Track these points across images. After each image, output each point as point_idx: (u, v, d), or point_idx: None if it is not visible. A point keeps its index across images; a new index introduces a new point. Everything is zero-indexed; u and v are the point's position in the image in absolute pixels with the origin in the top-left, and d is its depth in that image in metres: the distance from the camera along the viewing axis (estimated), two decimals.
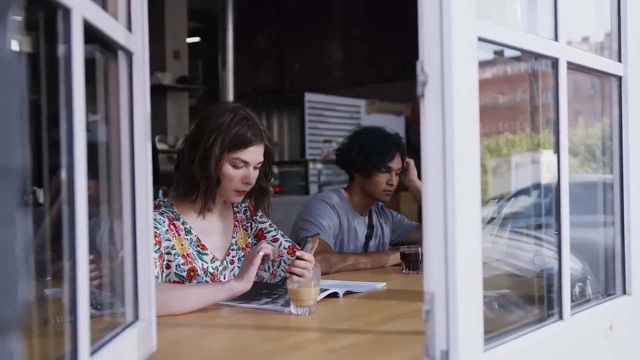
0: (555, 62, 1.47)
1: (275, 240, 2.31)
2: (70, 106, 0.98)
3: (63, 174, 0.98)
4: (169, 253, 2.08)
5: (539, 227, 1.80)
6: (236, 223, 2.31)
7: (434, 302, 1.15)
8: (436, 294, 1.15)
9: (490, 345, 1.24)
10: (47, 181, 1.08)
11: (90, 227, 1.04)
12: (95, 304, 1.24)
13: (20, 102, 0.56)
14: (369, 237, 3.06)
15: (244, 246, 2.31)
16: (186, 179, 2.15)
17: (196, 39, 9.89)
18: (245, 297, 1.99)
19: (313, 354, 1.52)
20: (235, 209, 2.34)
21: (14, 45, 0.57)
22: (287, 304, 1.88)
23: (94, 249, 1.09)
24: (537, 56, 1.51)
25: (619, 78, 1.75)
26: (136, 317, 1.34)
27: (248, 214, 2.35)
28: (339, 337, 1.63)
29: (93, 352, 1.07)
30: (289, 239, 2.35)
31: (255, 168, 2.17)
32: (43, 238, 1.17)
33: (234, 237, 2.29)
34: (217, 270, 2.20)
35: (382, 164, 2.91)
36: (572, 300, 1.51)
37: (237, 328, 1.73)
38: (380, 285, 2.29)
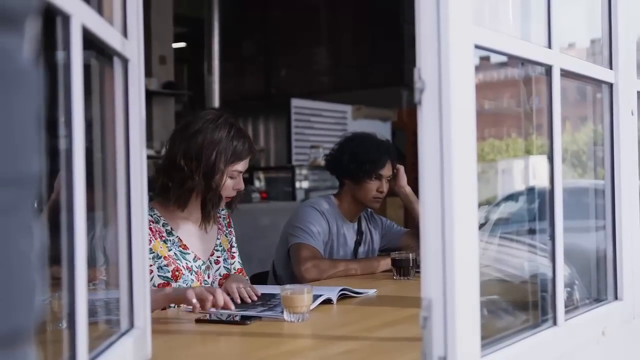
0: (549, 69, 1.48)
1: (232, 257, 2.43)
2: (69, 113, 0.98)
3: (62, 181, 0.97)
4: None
5: (528, 232, 1.81)
6: (219, 226, 2.40)
7: (431, 308, 1.15)
8: (434, 301, 1.15)
9: (487, 351, 1.24)
10: (45, 188, 1.08)
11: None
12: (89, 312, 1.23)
13: (38, 111, 0.56)
14: (358, 243, 3.06)
15: (227, 249, 2.40)
16: (186, 191, 2.20)
17: (182, 44, 9.87)
18: (241, 306, 1.99)
19: None
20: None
21: (31, 54, 0.56)
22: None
23: (87, 256, 1.09)
24: (531, 63, 1.52)
25: (610, 85, 1.77)
26: (131, 324, 1.33)
27: (226, 222, 2.45)
28: (333, 344, 1.63)
29: None
30: (241, 262, 2.46)
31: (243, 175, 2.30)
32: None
33: (218, 239, 2.37)
34: (201, 269, 2.26)
35: (374, 171, 2.91)
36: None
37: (231, 335, 1.72)
38: (372, 292, 2.29)
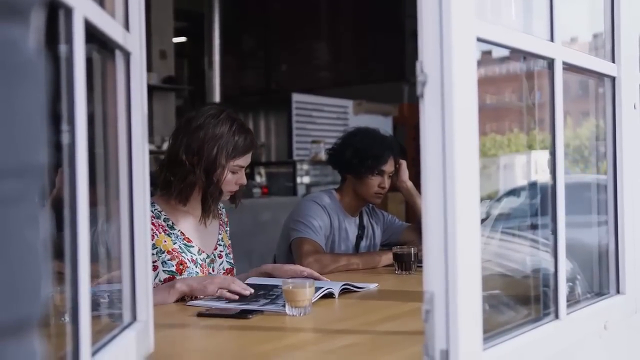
0: (551, 63, 1.48)
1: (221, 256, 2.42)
2: (72, 106, 0.97)
3: (65, 175, 0.97)
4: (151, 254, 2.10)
5: (530, 227, 1.81)
6: (221, 222, 2.42)
7: (433, 301, 1.15)
8: (436, 294, 1.15)
9: (489, 344, 1.25)
10: (47, 183, 1.08)
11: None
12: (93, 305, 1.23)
13: (43, 102, 0.56)
14: (360, 237, 3.06)
15: (228, 245, 2.42)
16: (187, 186, 2.22)
17: (182, 39, 9.87)
18: (243, 299, 1.99)
19: (312, 354, 1.51)
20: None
21: (37, 44, 0.56)
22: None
23: (90, 250, 1.09)
24: (533, 56, 1.52)
25: (613, 79, 1.77)
26: (134, 318, 1.34)
27: (225, 220, 2.47)
28: (335, 338, 1.63)
29: (93, 354, 1.06)
30: (231, 262, 2.43)
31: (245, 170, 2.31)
32: None
33: (220, 234, 2.39)
34: (205, 262, 2.28)
35: (376, 167, 2.90)
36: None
37: (233, 329, 1.72)
38: (373, 286, 2.30)
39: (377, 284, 2.32)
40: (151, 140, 7.11)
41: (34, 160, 0.55)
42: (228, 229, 2.48)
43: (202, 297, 2.03)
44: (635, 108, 1.81)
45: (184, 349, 1.55)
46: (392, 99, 8.19)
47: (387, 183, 2.95)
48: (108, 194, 1.35)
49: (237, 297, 1.99)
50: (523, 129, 1.91)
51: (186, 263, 2.20)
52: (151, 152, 6.42)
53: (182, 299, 2.04)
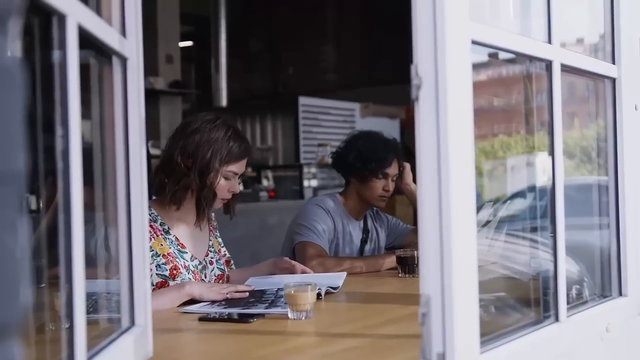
0: (549, 65, 1.48)
1: (223, 256, 2.47)
2: (66, 112, 0.98)
3: (59, 181, 0.98)
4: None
5: (534, 229, 1.80)
6: (211, 228, 2.44)
7: (430, 304, 1.15)
8: (432, 297, 1.15)
9: (486, 347, 1.24)
10: (43, 188, 1.08)
11: (85, 234, 1.04)
12: (90, 310, 1.23)
13: (22, 109, 0.56)
14: (364, 241, 3.05)
15: (218, 250, 2.44)
16: (181, 189, 2.23)
17: (189, 43, 9.88)
18: (237, 305, 1.99)
19: (311, 358, 1.51)
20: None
21: (15, 52, 0.57)
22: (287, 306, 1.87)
23: (88, 255, 1.09)
24: (531, 59, 1.52)
25: (613, 80, 1.76)
26: (132, 322, 1.34)
27: (215, 224, 2.49)
28: (336, 341, 1.63)
29: (89, 358, 1.06)
30: (222, 268, 2.45)
31: (239, 178, 2.33)
32: (37, 245, 1.17)
33: (210, 240, 2.41)
34: (197, 269, 2.29)
35: (380, 170, 2.90)
36: (568, 303, 1.51)
37: (233, 333, 1.73)
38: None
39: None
40: (157, 144, 7.11)
41: (13, 167, 0.55)
42: (217, 233, 2.49)
43: (204, 301, 2.03)
44: (636, 109, 1.80)
45: (184, 353, 1.55)
46: (399, 101, 8.17)
47: (391, 186, 2.95)
48: (107, 199, 1.35)
49: (247, 294, 2.09)
50: (529, 131, 1.90)
51: (179, 269, 2.21)
52: (157, 157, 6.42)
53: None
